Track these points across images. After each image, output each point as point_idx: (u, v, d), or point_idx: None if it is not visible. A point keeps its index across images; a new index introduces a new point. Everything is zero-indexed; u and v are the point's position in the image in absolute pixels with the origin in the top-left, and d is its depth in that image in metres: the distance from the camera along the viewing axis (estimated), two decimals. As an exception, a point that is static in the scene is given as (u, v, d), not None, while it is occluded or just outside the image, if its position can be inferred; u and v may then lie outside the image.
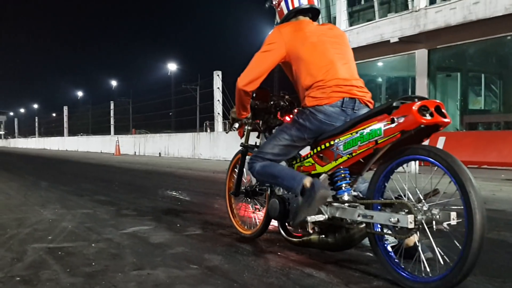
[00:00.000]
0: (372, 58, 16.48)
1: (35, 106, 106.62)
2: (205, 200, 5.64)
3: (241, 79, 2.72)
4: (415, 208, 2.08)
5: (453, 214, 2.04)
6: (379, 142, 2.22)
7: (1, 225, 3.83)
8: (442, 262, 2.08)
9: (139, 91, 79.76)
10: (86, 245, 3.11)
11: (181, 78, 62.35)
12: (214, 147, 16.07)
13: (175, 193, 6.21)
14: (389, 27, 14.63)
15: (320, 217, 2.45)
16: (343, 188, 2.50)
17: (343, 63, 2.63)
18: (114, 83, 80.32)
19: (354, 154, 2.36)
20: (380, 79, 19.18)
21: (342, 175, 2.51)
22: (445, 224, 2.05)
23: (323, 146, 2.55)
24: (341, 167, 2.47)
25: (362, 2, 17.91)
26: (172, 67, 62.34)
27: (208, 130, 19.65)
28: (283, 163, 2.83)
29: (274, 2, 2.85)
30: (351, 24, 17.20)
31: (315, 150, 2.62)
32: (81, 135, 49.93)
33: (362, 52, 14.81)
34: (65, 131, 32.56)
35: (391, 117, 2.16)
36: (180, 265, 2.62)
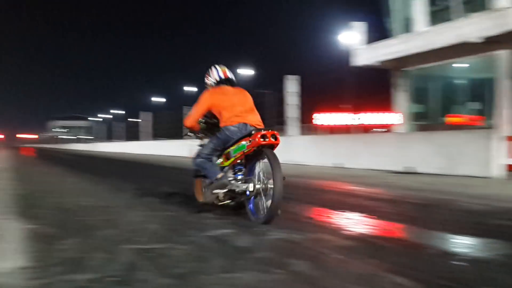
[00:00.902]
0: (451, 59, 15.79)
1: (121, 111, 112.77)
2: (286, 205, 5.60)
3: (186, 120, 4.79)
4: (256, 181, 4.20)
5: (271, 182, 3.99)
6: (245, 151, 4.22)
7: (93, 226, 4.01)
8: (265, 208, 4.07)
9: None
10: (173, 247, 3.17)
11: (252, 82, 63.21)
12: (288, 151, 16.04)
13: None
14: (470, 27, 13.93)
15: (223, 190, 4.35)
16: (238, 173, 4.44)
17: (241, 106, 4.52)
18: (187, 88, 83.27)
19: (236, 156, 4.35)
20: (459, 81, 18.34)
21: (238, 166, 4.45)
22: (269, 186, 4.04)
23: (226, 151, 4.49)
24: (237, 162, 4.42)
25: (440, 2, 17.23)
26: (245, 72, 63.44)
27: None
28: (215, 159, 4.63)
29: (206, 81, 4.91)
30: (429, 25, 16.58)
31: (224, 153, 4.54)
32: (160, 139, 52.09)
33: (440, 54, 14.25)
34: (147, 135, 34.07)
35: (249, 139, 4.16)
36: (266, 269, 2.60)
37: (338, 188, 7.95)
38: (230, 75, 4.86)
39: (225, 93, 4.63)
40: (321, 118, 43.64)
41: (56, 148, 72.50)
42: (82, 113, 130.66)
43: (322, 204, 5.68)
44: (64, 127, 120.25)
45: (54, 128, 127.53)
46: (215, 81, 4.80)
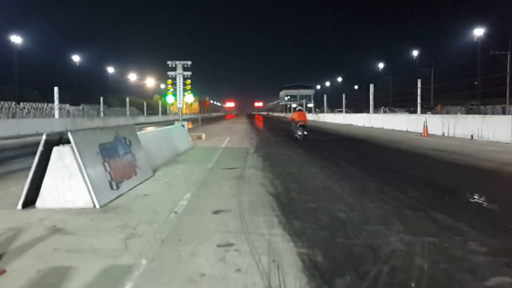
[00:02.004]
0: None
1: (339, 79, 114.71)
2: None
3: (290, 117, 12.28)
4: (299, 132, 19.06)
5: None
6: (298, 125, 19.03)
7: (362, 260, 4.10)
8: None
9: (441, 60, 76.22)
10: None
11: (489, 44, 56.73)
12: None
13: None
14: None
15: (297, 133, 19.29)
16: (298, 130, 18.99)
17: (299, 117, 19.08)
18: (415, 53, 79.26)
19: (297, 127, 19.03)
20: None
21: (299, 128, 19.06)
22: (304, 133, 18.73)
23: (297, 125, 19.25)
24: (298, 127, 18.95)
25: None
26: (478, 32, 57.31)
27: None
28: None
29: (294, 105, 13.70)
30: None
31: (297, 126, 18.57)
32: (384, 110, 51.15)
33: None
34: (371, 108, 33.58)
35: (299, 124, 18.88)
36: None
37: None
38: (300, 107, 19.47)
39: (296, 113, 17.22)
40: None
41: (282, 118, 77.46)
42: (307, 82, 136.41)
43: None
44: (291, 96, 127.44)
45: (283, 97, 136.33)
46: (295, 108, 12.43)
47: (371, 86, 33.02)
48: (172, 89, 16.87)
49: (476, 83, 63.64)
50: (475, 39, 59.05)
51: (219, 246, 4.44)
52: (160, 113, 64.80)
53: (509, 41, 51.02)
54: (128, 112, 48.48)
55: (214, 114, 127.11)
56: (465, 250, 4.18)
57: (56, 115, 31.10)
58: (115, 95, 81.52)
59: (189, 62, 16.47)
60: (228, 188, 7.63)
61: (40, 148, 6.14)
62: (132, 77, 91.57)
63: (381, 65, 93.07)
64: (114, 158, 7.30)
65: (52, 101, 31.86)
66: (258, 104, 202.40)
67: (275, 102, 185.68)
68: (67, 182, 6.10)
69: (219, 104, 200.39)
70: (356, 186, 7.70)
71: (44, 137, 6.15)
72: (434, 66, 71.51)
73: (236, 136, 21.80)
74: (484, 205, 6.17)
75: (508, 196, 6.78)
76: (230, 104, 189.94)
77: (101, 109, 41.56)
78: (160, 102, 68.33)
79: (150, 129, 12.13)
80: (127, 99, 48.90)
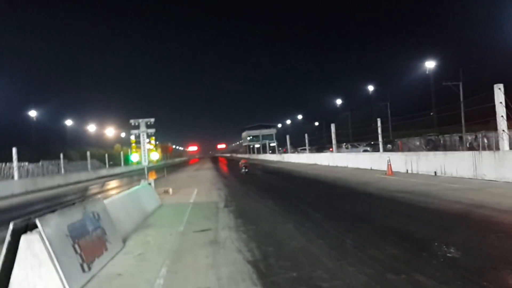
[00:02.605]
0: None
1: (299, 117, 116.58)
2: None
3: None
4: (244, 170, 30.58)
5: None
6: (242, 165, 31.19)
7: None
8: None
9: (396, 92, 78.62)
10: None
11: (441, 75, 59.21)
12: (501, 167, 14.54)
13: None
14: None
15: (243, 171, 30.29)
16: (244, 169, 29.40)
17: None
18: (370, 87, 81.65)
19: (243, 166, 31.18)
20: None
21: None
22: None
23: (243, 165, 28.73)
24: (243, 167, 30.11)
25: None
26: (430, 64, 59.80)
27: (493, 149, 17.83)
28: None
29: None
30: None
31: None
32: (346, 146, 52.05)
33: None
34: (334, 147, 34.09)
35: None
36: None
37: None
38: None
39: (242, 160, 17.03)
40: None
41: (248, 158, 77.64)
42: (268, 121, 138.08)
43: None
44: (253, 136, 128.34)
45: (245, 138, 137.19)
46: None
47: (333, 126, 33.62)
48: (135, 146, 16.66)
49: (431, 113, 65.90)
50: (427, 71, 61.54)
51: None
52: (122, 163, 63.73)
53: (459, 71, 53.38)
54: (89, 166, 47.43)
55: (177, 160, 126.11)
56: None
57: (16, 177, 30.06)
58: (75, 148, 79.85)
59: (152, 120, 16.35)
60: (204, 258, 7.43)
61: (8, 238, 5.84)
62: (92, 128, 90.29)
63: (338, 101, 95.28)
64: (84, 237, 7.02)
65: (9, 159, 30.86)
66: (221, 146, 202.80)
67: (238, 142, 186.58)
68: (37, 271, 5.79)
69: (182, 149, 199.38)
70: (333, 245, 7.65)
71: (11, 226, 5.86)
72: (390, 98, 73.78)
73: (203, 187, 21.56)
74: (462, 261, 6.21)
75: (482, 248, 6.85)
76: (192, 148, 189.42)
77: (61, 165, 40.46)
78: (122, 152, 67.36)
79: (117, 193, 11.81)
80: (88, 153, 47.94)
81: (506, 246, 6.81)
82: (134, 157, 16.65)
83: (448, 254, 6.57)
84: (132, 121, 16.16)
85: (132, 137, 16.54)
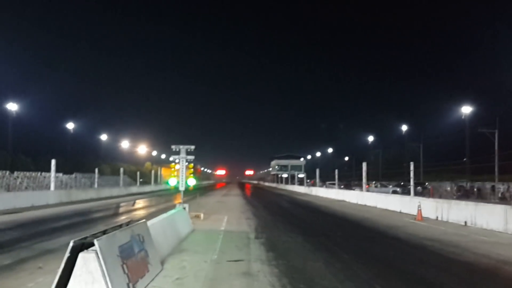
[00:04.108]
0: None
1: (330, 150, 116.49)
2: None
3: None
4: None
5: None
6: None
7: None
8: None
9: (430, 135, 78.10)
10: None
11: (476, 121, 58.60)
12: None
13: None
14: None
15: None
16: None
17: None
18: (404, 127, 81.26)
19: None
20: None
21: None
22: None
23: None
24: None
25: None
26: (466, 109, 59.32)
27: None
28: None
29: None
30: None
31: None
32: (376, 185, 51.83)
33: None
34: (364, 186, 34.13)
35: None
36: None
37: None
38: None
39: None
40: None
41: (273, 188, 77.74)
42: (297, 152, 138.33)
43: None
44: (282, 166, 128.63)
45: (274, 167, 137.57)
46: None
47: (364, 164, 33.74)
48: (175, 171, 17.36)
49: (464, 159, 65.14)
50: (462, 117, 60.86)
51: None
52: (152, 181, 64.96)
53: (496, 119, 52.77)
54: (121, 182, 48.59)
55: (205, 182, 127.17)
56: None
57: (52, 187, 31.20)
58: (107, 163, 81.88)
59: (193, 147, 17.05)
60: (239, 289, 7.85)
61: (67, 254, 6.42)
62: (125, 144, 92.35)
63: (370, 138, 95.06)
64: (131, 258, 7.55)
65: (45, 168, 32.09)
66: (249, 172, 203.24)
67: (266, 170, 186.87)
68: (90, 287, 6.32)
69: (209, 171, 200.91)
70: (363, 289, 7.96)
71: (71, 244, 6.45)
72: (423, 140, 73.29)
73: (232, 215, 22.00)
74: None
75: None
76: (221, 172, 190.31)
77: (95, 179, 41.71)
78: (153, 170, 68.70)
79: (156, 219, 12.38)
80: (121, 170, 49.16)
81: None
82: (172, 181, 17.31)
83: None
84: (173, 147, 16.86)
85: (172, 161, 17.26)
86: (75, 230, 15.85)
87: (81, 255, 6.44)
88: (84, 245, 6.77)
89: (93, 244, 6.61)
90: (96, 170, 41.88)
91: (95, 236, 6.98)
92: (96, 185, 42.05)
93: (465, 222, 18.36)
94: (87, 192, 37.31)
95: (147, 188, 59.07)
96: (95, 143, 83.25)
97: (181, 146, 16.89)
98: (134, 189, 52.74)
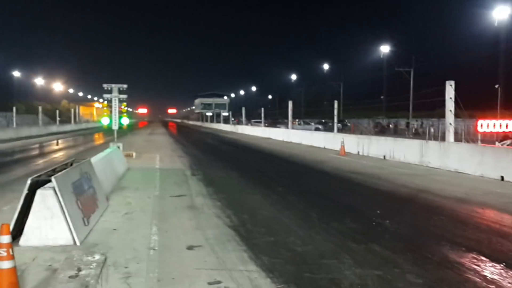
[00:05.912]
0: None
1: (253, 89, 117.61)
2: None
3: None
4: None
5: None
6: None
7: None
8: None
9: (350, 74, 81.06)
10: None
11: (396, 61, 61.27)
12: (445, 157, 16.20)
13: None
14: None
15: None
16: None
17: None
18: (326, 66, 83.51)
19: None
20: None
21: None
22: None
23: None
24: None
25: None
26: (385, 49, 61.80)
27: (439, 139, 19.52)
28: None
29: None
30: None
31: None
32: (299, 122, 53.70)
33: None
34: (290, 124, 35.40)
35: None
36: None
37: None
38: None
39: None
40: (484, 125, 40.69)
41: (199, 127, 77.99)
42: (222, 90, 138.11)
43: None
44: (206, 104, 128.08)
45: (198, 105, 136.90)
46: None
47: (290, 103, 34.91)
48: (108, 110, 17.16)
49: (382, 97, 68.80)
50: (381, 56, 63.40)
51: (209, 283, 5.25)
52: (72, 120, 62.70)
53: (412, 58, 55.59)
54: (40, 121, 46.61)
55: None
56: (406, 282, 5.36)
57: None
58: (20, 100, 77.32)
59: (125, 86, 16.83)
60: (187, 220, 8.38)
61: (25, 191, 6.56)
62: (39, 81, 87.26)
63: (293, 76, 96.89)
64: (82, 195, 7.79)
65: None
66: (172, 110, 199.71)
67: (189, 109, 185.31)
68: (50, 222, 6.56)
69: (130, 110, 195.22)
70: (300, 217, 8.80)
71: (28, 181, 6.59)
72: (343, 78, 76.00)
73: (164, 153, 22.18)
74: (410, 237, 7.53)
75: (426, 227, 8.21)
76: (142, 110, 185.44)
77: (14, 118, 39.73)
78: (73, 109, 66.17)
79: (98, 155, 12.44)
80: (40, 108, 47.04)
81: (446, 227, 8.16)
82: (104, 120, 17.15)
83: (398, 231, 7.86)
84: (105, 85, 16.56)
85: (105, 101, 17.03)
86: (5, 170, 15.47)
87: (39, 192, 6.60)
88: (39, 183, 6.91)
89: (46, 182, 6.79)
90: (14, 108, 39.84)
91: (47, 174, 7.14)
92: (14, 125, 40.12)
93: (384, 156, 19.97)
94: (5, 131, 35.60)
95: (67, 127, 57.11)
96: (7, 79, 78.02)
97: (113, 85, 16.62)
98: (54, 128, 50.79)
